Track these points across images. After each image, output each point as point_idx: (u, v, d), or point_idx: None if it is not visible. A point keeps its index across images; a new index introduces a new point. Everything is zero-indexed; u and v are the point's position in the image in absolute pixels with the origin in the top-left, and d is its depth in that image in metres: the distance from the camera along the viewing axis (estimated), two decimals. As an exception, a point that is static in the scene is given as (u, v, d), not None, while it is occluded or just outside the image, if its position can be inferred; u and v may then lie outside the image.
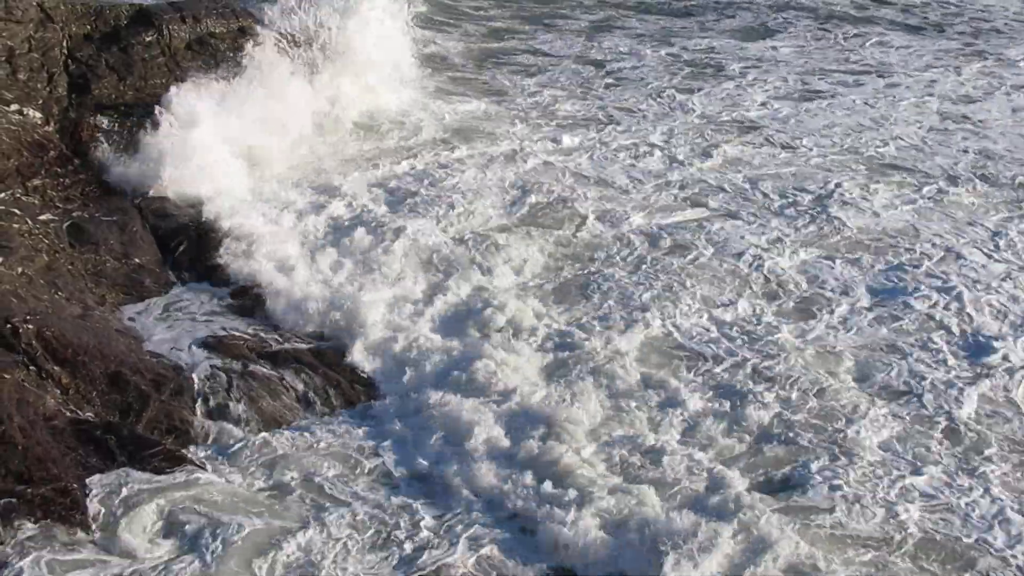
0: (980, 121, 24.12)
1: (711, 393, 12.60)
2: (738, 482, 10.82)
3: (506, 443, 11.40)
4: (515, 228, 16.86)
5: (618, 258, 16.18)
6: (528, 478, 10.76)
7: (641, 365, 13.11)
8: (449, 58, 28.18)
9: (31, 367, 11.35)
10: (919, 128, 23.44)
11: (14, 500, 9.74)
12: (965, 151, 21.96)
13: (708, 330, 14.06)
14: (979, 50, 30.98)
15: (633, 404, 12.27)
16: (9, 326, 11.61)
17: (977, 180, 20.15)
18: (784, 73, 28.20)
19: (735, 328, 14.15)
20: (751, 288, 15.34)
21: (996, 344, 13.87)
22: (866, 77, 27.93)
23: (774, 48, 31.24)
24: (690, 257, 16.26)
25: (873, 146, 22.03)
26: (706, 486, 10.81)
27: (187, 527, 10.03)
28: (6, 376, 10.93)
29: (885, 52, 30.63)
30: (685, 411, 12.16)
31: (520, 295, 14.65)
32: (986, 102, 25.74)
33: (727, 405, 12.34)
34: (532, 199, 17.93)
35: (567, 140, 21.33)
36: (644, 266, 15.91)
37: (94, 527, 9.85)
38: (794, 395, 12.55)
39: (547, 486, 10.63)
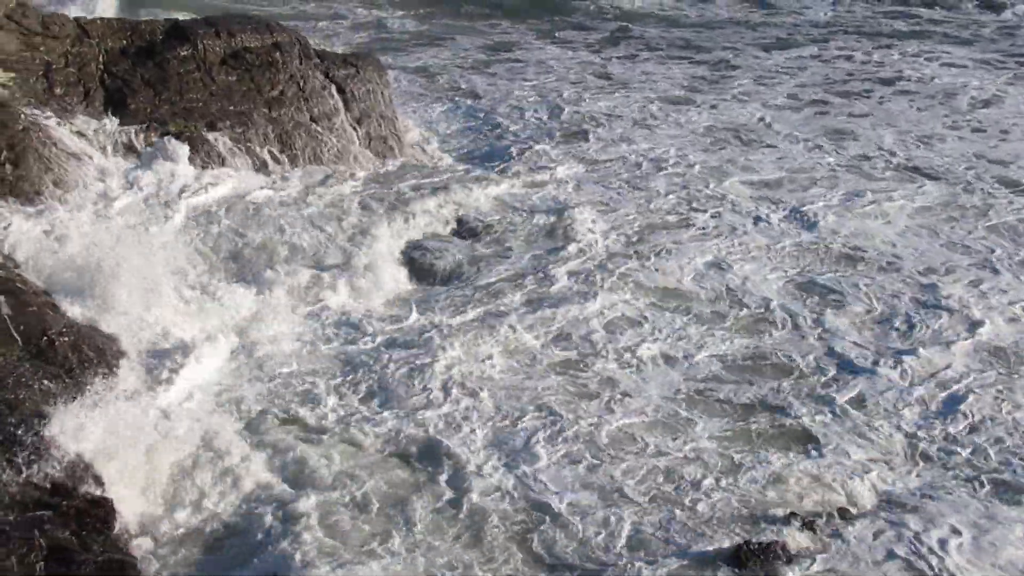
0: (983, 129, 24.19)
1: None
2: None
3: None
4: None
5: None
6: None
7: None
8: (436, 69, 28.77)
9: (67, 380, 11.38)
10: (921, 135, 23.52)
11: (49, 512, 9.76)
12: (963, 155, 22.10)
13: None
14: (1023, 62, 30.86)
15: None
16: (45, 338, 11.67)
17: (977, 184, 20.27)
18: (796, 82, 28.17)
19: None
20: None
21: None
22: (880, 87, 27.91)
23: (794, 59, 31.21)
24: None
25: (870, 153, 22.15)
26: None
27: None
28: (42, 387, 10.97)
29: (910, 63, 30.50)
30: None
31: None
32: (999, 110, 25.71)
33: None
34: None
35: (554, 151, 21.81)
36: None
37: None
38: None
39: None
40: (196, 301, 13.97)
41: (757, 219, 18.39)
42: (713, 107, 25.70)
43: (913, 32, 34.96)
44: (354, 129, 20.38)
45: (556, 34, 34.35)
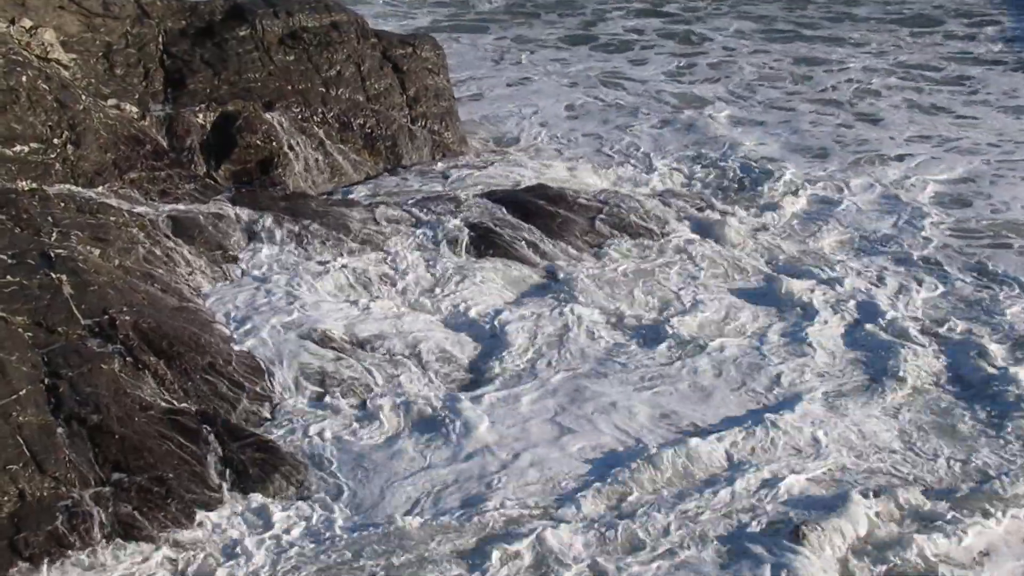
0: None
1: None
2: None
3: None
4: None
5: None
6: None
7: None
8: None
9: (128, 358, 11.47)
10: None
11: (110, 489, 9.87)
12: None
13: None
14: None
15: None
16: (107, 317, 11.77)
17: None
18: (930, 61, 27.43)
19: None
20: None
21: None
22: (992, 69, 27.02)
23: (928, 33, 30.26)
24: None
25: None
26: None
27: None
28: (103, 367, 11.07)
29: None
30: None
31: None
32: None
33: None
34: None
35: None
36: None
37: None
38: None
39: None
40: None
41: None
42: (824, 86, 25.17)
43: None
44: (411, 108, 20.32)
45: (659, 8, 33.28)
